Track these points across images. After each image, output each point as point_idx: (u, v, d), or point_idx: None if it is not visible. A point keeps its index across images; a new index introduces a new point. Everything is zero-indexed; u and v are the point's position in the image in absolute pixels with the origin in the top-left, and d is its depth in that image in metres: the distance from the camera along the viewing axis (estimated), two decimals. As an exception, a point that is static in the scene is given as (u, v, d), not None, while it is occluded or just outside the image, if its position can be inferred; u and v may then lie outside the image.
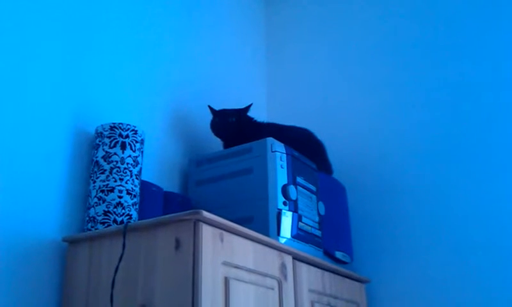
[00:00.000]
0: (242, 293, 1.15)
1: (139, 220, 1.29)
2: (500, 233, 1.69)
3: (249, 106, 1.72)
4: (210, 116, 1.73)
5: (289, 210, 1.44)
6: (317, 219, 1.57)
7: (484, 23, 1.91)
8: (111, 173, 1.28)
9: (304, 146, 1.66)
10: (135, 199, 1.30)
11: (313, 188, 1.59)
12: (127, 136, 1.32)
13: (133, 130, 1.34)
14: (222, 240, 1.13)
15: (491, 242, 1.70)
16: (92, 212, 1.26)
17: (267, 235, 1.33)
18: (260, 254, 1.25)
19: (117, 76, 1.54)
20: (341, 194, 1.81)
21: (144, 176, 1.45)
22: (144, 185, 1.39)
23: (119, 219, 1.25)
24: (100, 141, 1.32)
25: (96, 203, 1.27)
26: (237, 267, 1.16)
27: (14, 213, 1.17)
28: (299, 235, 1.46)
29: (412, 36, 2.04)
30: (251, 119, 1.73)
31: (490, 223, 1.71)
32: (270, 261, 1.29)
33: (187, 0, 1.93)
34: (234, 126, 1.68)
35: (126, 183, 1.28)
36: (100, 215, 1.25)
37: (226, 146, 1.69)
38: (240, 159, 1.52)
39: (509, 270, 1.65)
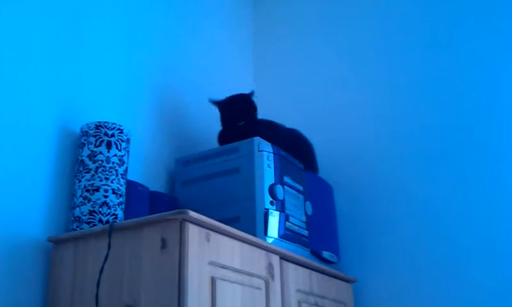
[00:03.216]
0: (228, 293, 1.14)
1: (124, 219, 1.28)
2: (486, 234, 1.70)
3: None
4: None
5: (276, 210, 1.44)
6: (304, 218, 1.57)
7: (483, 25, 1.92)
8: (96, 172, 1.27)
9: (293, 145, 1.66)
10: (121, 199, 1.29)
11: (300, 188, 1.59)
12: (113, 135, 1.31)
13: (119, 129, 1.32)
14: (208, 239, 1.12)
15: (477, 241, 1.71)
16: (77, 211, 1.25)
17: (254, 234, 1.32)
18: (247, 254, 1.25)
19: (103, 74, 1.53)
20: (328, 194, 1.81)
21: (130, 176, 1.44)
22: (130, 185, 1.38)
23: (104, 219, 1.24)
24: (85, 140, 1.31)
25: (81, 202, 1.25)
26: (223, 266, 1.15)
27: (-3, 212, 1.16)
28: (287, 234, 1.46)
29: (403, 35, 2.03)
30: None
31: (476, 223, 1.72)
32: (257, 261, 1.28)
33: (174, -2, 1.92)
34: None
35: (112, 182, 1.27)
36: (85, 215, 1.24)
37: (222, 135, 1.69)
38: (227, 159, 1.51)
39: (495, 268, 1.66)
